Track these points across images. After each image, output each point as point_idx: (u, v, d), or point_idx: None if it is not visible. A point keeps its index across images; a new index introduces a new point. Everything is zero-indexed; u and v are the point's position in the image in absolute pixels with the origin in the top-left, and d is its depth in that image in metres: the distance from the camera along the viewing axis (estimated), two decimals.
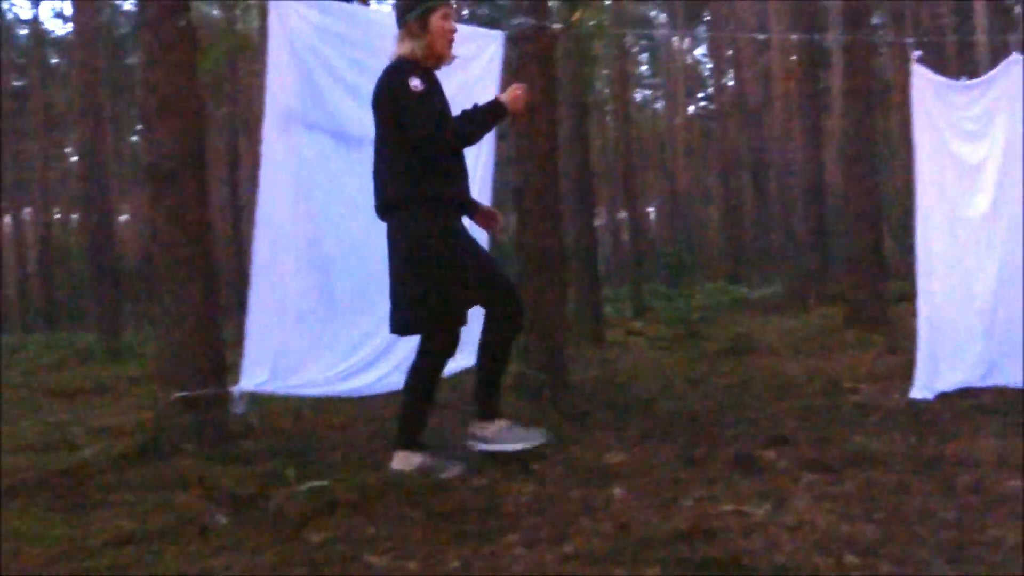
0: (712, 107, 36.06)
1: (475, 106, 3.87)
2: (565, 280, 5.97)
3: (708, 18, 31.85)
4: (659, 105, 40.63)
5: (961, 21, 21.71)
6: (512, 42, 5.63)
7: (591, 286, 10.37)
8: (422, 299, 3.70)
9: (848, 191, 9.40)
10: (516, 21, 5.64)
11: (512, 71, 5.53)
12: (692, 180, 37.06)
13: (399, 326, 3.83)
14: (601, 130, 32.90)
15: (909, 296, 13.21)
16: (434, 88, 3.82)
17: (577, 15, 7.63)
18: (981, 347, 5.25)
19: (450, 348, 3.87)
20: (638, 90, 39.94)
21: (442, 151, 3.75)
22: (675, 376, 6.62)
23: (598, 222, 36.27)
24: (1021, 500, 3.10)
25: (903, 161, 26.31)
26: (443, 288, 3.70)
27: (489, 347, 3.82)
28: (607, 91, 29.29)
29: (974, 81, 5.50)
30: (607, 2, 19.16)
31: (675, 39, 33.44)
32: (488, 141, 5.15)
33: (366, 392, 4.70)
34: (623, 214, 30.41)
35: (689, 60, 38.78)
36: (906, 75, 5.24)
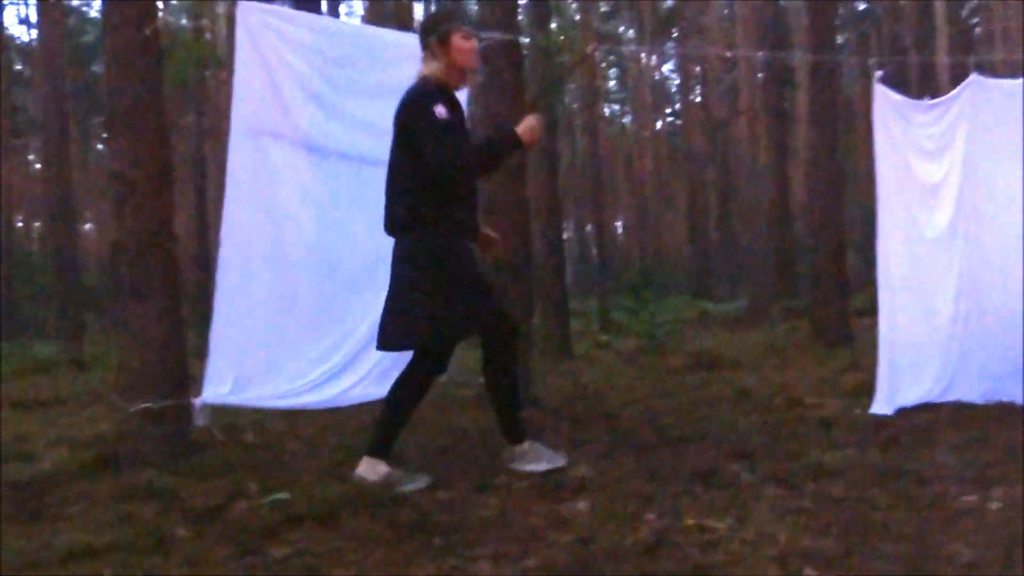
0: (679, 123, 36.36)
1: (490, 137, 4.01)
2: (532, 294, 5.97)
3: (676, 34, 32.14)
4: (627, 120, 40.94)
5: (923, 43, 22.04)
6: (483, 57, 5.66)
7: (559, 300, 10.40)
8: (427, 317, 3.75)
9: (812, 207, 9.51)
10: (487, 35, 5.66)
11: (482, 85, 5.54)
12: (659, 195, 37.33)
13: (393, 341, 3.86)
14: (570, 144, 33.09)
15: (873, 311, 13.39)
16: (456, 115, 3.88)
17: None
18: (940, 363, 5.33)
19: (442, 367, 3.95)
20: (606, 105, 40.21)
21: (457, 178, 3.82)
22: (640, 390, 6.65)
23: (566, 236, 36.43)
24: (979, 514, 3.15)
25: (867, 179, 26.68)
26: (448, 308, 3.76)
27: (494, 378, 3.93)
28: (576, 106, 29.47)
29: (935, 101, 5.59)
30: (576, 17, 19.30)
31: (643, 55, 33.70)
32: None
33: (331, 404, 4.67)
34: (591, 228, 30.55)
35: (657, 76, 39.09)
36: (870, 95, 5.32)
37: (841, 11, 31.23)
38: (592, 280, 25.68)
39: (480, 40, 4.14)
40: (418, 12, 17.73)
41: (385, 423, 3.85)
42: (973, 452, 4.02)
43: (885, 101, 5.31)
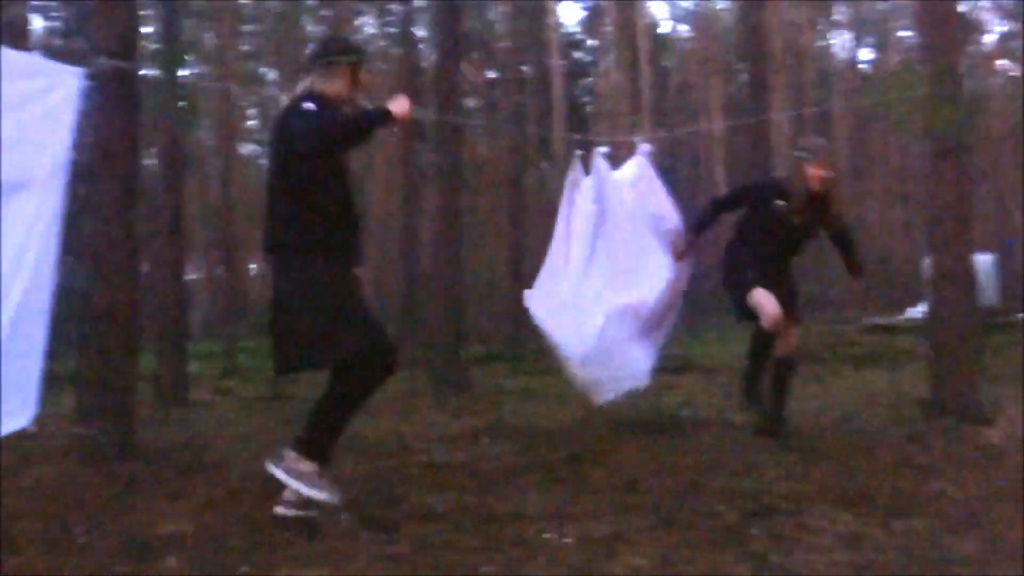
0: None
1: (358, 111, 3.85)
2: (136, 336, 5.63)
3: None
4: (265, 161, 40.26)
5: (543, 114, 24.05)
6: (95, 82, 5.32)
7: (176, 343, 9.91)
8: (309, 338, 3.69)
9: (435, 259, 9.95)
10: (99, 61, 5.33)
11: (91, 112, 5.20)
12: None
13: (281, 365, 3.84)
14: (204, 182, 31.87)
15: (486, 359, 14.10)
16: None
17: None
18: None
19: (371, 381, 3.77)
20: (245, 144, 39.32)
21: (317, 146, 3.63)
22: (255, 439, 6.49)
23: (193, 276, 34.85)
24: (557, 548, 3.43)
25: (490, 237, 28.42)
26: (328, 329, 3.67)
27: (334, 400, 3.76)
28: (211, 143, 28.50)
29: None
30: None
31: (283, 98, 33.45)
32: (57, 187, 4.75)
33: None
34: (221, 270, 29.51)
35: None
36: (496, 156, 5.72)
37: (473, 79, 33.24)
38: (222, 323, 24.74)
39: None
40: None
41: (319, 426, 3.76)
42: (553, 492, 4.36)
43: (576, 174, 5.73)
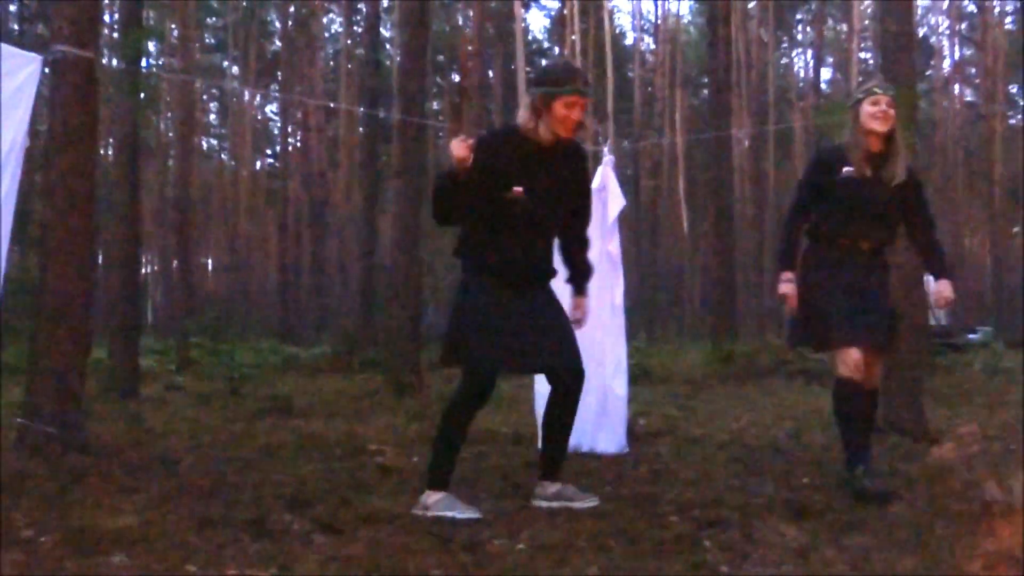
0: (278, 165, 36.15)
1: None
2: (89, 328, 5.54)
3: (280, 77, 32.07)
4: (226, 156, 39.90)
5: (508, 118, 24.09)
6: (52, 69, 5.24)
7: (128, 336, 9.76)
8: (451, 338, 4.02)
9: (394, 261, 9.91)
10: (56, 48, 5.24)
11: (48, 99, 5.13)
12: (253, 234, 36.68)
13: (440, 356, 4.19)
14: (162, 175, 31.49)
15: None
16: (497, 159, 3.88)
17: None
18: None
19: (479, 397, 4.01)
20: (204, 138, 38.93)
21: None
22: (206, 435, 6.43)
23: (149, 270, 34.43)
24: (506, 556, 3.42)
25: (452, 239, 28.38)
26: (481, 339, 3.91)
27: (551, 416, 4.14)
28: (171, 135, 28.18)
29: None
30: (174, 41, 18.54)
31: (246, 93, 33.20)
32: (12, 174, 4.67)
33: None
34: (177, 264, 29.16)
35: (260, 116, 38.64)
36: None
37: (439, 80, 33.27)
38: (177, 318, 24.48)
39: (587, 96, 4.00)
40: None
41: (437, 455, 4.03)
42: (506, 498, 4.36)
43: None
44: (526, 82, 4.75)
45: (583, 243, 4.29)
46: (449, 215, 3.99)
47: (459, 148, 3.74)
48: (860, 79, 4.78)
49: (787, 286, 4.46)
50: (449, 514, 3.88)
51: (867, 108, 4.37)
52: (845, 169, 4.38)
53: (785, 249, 4.57)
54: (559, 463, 4.22)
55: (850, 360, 4.30)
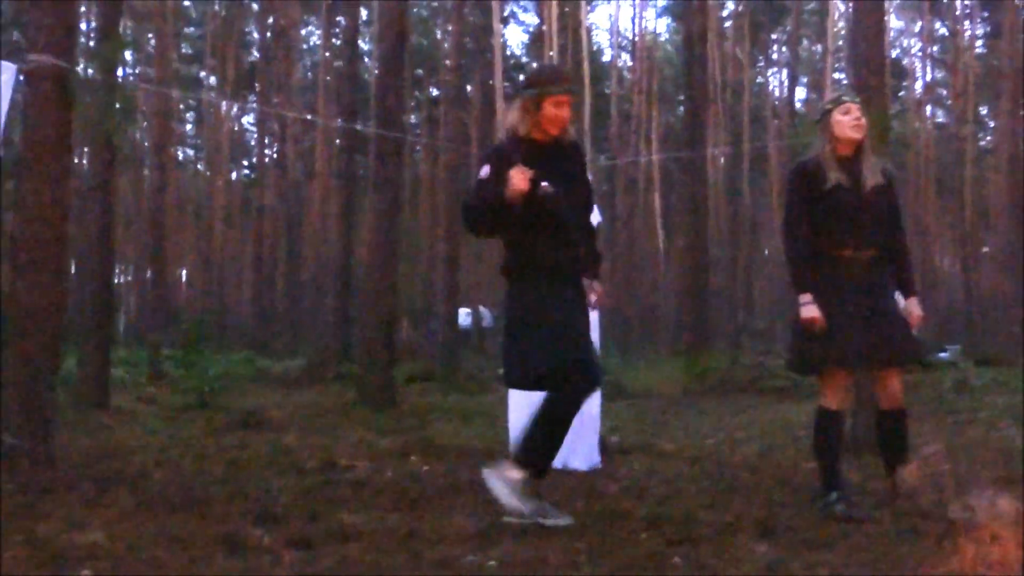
0: (254, 176, 35.97)
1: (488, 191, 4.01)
2: (59, 341, 5.49)
3: (258, 88, 31.98)
4: (202, 166, 39.70)
5: (485, 135, 24.18)
6: (27, 78, 5.22)
7: (99, 348, 9.67)
8: (524, 357, 4.01)
9: (369, 275, 9.89)
10: (33, 57, 5.22)
11: (21, 108, 5.10)
12: (229, 246, 36.47)
13: (511, 381, 4.22)
14: (137, 185, 31.27)
15: (418, 378, 14.07)
16: (538, 165, 3.96)
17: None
18: None
19: (589, 384, 4.02)
20: (180, 148, 38.71)
21: (467, 226, 4.17)
22: (178, 448, 6.38)
23: (121, 280, 34.09)
24: (480, 571, 3.42)
25: (428, 253, 28.39)
26: (538, 347, 3.95)
27: (551, 409, 3.98)
28: (147, 144, 27.99)
29: None
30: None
31: (223, 104, 33.07)
32: None
33: None
34: (151, 274, 28.90)
35: (236, 127, 38.49)
36: (435, 175, 5.73)
37: (418, 94, 33.31)
38: (149, 329, 24.25)
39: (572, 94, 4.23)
40: None
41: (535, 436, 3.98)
42: (478, 514, 4.36)
43: None
44: (512, 90, 4.85)
45: (591, 231, 4.49)
46: (494, 230, 4.16)
47: (521, 181, 3.90)
48: (830, 95, 4.70)
49: (810, 309, 4.25)
50: (506, 496, 3.91)
51: (840, 117, 4.36)
52: (832, 176, 4.32)
53: (798, 271, 4.38)
54: (532, 453, 4.03)
55: (835, 387, 4.33)
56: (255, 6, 31.67)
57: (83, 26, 21.62)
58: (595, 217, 5.97)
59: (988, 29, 32.12)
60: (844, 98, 4.46)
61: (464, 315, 21.40)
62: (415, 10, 29.15)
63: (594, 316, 5.78)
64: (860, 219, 4.32)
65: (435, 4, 29.40)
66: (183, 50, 34.93)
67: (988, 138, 36.59)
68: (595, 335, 5.93)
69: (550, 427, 3.98)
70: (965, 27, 33.29)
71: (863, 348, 4.23)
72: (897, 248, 4.48)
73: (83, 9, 20.35)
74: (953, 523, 3.06)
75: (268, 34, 27.48)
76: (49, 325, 5.15)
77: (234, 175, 38.82)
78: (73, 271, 12.26)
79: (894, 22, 35.88)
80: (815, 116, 4.72)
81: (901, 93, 37.17)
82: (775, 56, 39.70)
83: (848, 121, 4.35)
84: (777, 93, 38.83)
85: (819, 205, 4.35)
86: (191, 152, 41.77)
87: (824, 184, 4.33)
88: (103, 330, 9.89)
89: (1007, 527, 2.94)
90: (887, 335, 4.28)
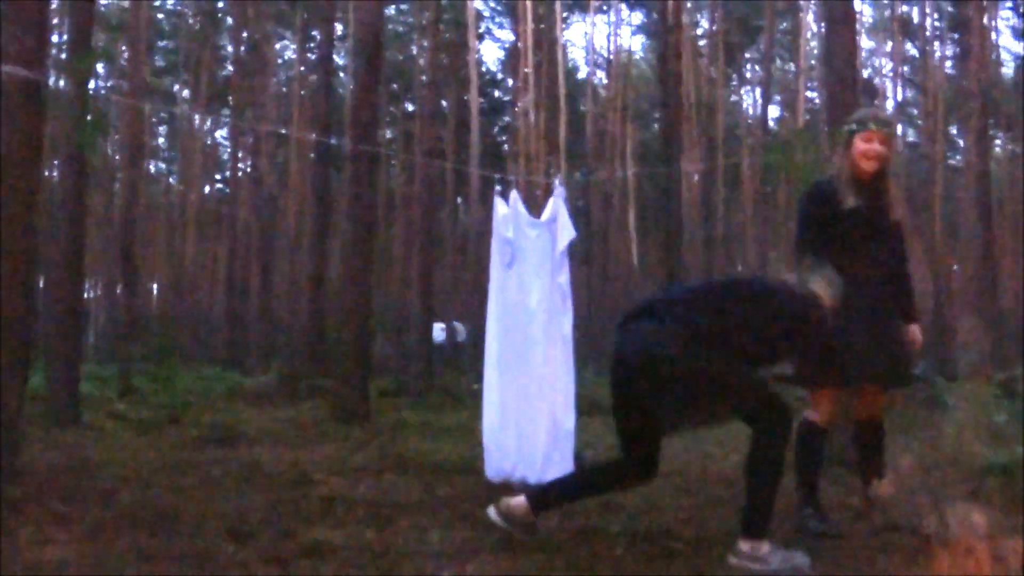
0: (227, 190, 35.76)
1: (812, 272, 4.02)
2: (28, 355, 5.42)
3: (231, 102, 31.84)
4: (174, 180, 39.44)
5: (460, 150, 24.19)
6: None
7: (69, 362, 9.53)
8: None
9: (344, 289, 9.85)
10: (4, 68, 5.16)
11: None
12: (201, 260, 36.21)
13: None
14: (108, 197, 31.00)
15: (392, 393, 13.97)
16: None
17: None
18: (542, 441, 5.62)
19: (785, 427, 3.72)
20: (153, 161, 38.44)
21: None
22: (148, 464, 6.29)
23: (92, 294, 33.73)
24: None
25: (399, 270, 28.33)
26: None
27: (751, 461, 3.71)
28: (118, 157, 27.77)
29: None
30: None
31: (196, 117, 32.90)
32: None
33: None
34: (121, 288, 28.60)
35: (209, 140, 38.28)
36: (412, 190, 5.72)
37: (393, 110, 33.30)
38: (119, 343, 23.98)
39: None
40: None
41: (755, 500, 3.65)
42: (453, 529, 4.33)
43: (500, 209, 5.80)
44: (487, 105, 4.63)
45: None
46: None
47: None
48: (857, 113, 4.56)
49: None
50: (782, 566, 3.54)
51: (860, 145, 4.30)
52: (849, 200, 4.27)
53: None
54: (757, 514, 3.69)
55: (827, 403, 4.34)
56: (229, 20, 31.55)
57: (55, 38, 21.45)
58: (567, 235, 5.98)
59: (957, 50, 32.59)
60: (871, 125, 4.33)
61: (439, 330, 21.33)
62: (390, 26, 29.20)
63: None
64: (872, 243, 4.31)
65: (411, 20, 29.47)
66: (156, 63, 34.72)
67: (958, 157, 37.07)
68: (568, 354, 5.95)
69: (766, 476, 3.67)
70: (934, 48, 33.75)
71: (866, 368, 4.24)
72: (901, 274, 4.48)
73: (55, 21, 20.20)
74: (927, 537, 3.07)
75: (242, 48, 27.37)
76: (16, 338, 5.07)
77: (207, 189, 38.60)
78: (42, 285, 12.11)
79: (865, 42, 36.33)
80: (838, 136, 4.62)
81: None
82: (748, 75, 40.07)
83: (866, 151, 4.28)
84: (751, 111, 39.17)
85: (833, 227, 4.30)
86: (163, 166, 41.49)
87: (840, 206, 4.28)
88: (72, 345, 9.76)
89: (980, 540, 2.95)
90: (889, 357, 4.30)
